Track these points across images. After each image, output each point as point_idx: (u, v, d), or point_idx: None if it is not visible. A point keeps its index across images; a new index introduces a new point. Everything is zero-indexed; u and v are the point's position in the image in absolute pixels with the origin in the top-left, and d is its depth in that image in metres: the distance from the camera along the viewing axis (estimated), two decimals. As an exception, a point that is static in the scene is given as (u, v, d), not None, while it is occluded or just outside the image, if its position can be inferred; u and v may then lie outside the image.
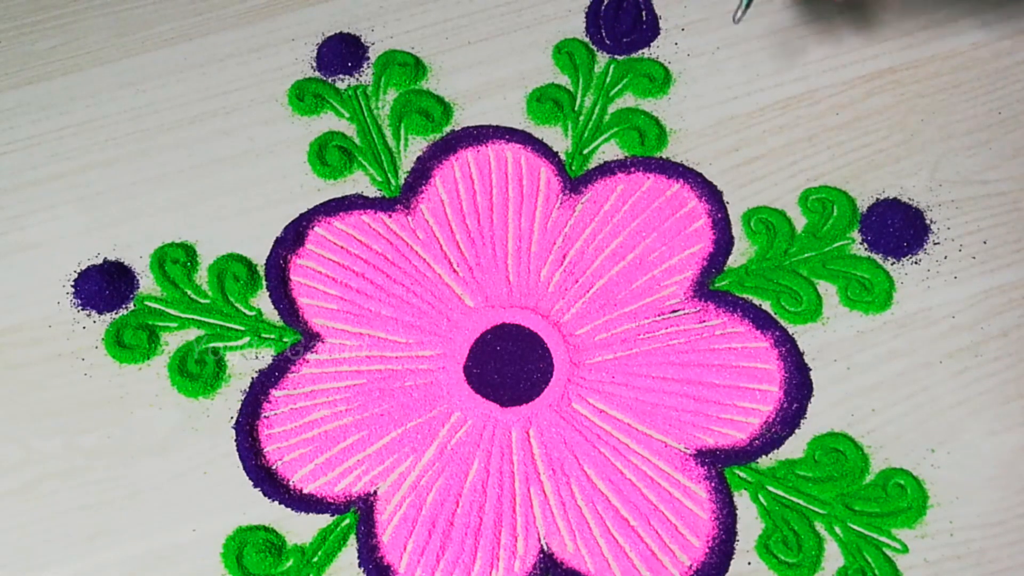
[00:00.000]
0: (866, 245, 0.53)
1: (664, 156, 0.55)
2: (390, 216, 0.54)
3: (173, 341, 0.52)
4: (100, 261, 0.54)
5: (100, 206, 0.55)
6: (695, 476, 0.49)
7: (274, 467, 0.50)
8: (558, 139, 0.56)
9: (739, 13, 0.51)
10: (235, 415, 0.51)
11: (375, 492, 0.49)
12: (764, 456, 0.49)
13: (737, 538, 0.48)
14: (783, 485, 0.48)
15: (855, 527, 0.48)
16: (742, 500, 0.48)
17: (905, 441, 0.49)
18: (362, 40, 0.58)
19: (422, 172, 0.55)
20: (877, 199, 0.54)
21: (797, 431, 0.49)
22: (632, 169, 0.55)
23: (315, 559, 0.48)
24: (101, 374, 0.52)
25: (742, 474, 0.49)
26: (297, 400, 0.51)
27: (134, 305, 0.53)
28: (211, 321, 0.52)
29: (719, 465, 0.49)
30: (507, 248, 0.54)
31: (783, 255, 0.53)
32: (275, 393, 0.51)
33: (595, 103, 0.57)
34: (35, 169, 0.56)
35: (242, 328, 0.52)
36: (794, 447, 0.49)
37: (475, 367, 0.51)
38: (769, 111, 0.56)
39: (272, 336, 0.52)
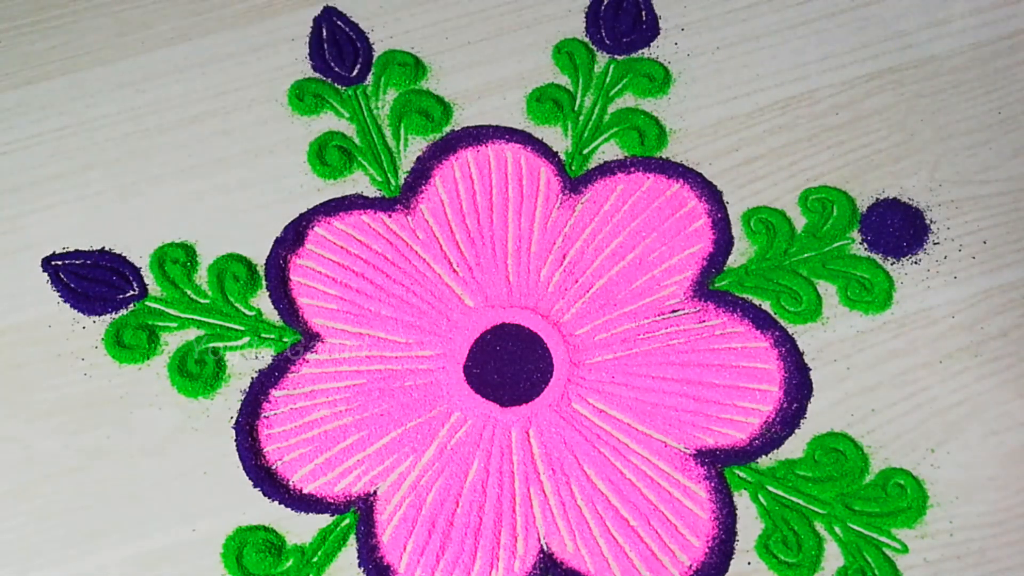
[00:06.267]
0: (866, 245, 0.53)
1: (664, 156, 0.55)
2: (390, 216, 0.54)
3: (173, 341, 0.52)
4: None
5: (100, 206, 0.55)
6: (695, 476, 0.49)
7: (274, 467, 0.50)
8: (558, 139, 0.56)
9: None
10: (235, 415, 0.51)
11: (375, 492, 0.49)
12: (764, 456, 0.49)
13: (737, 538, 0.48)
14: (783, 485, 0.48)
15: (855, 527, 0.48)
16: (742, 500, 0.48)
17: (905, 441, 0.49)
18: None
19: (422, 172, 0.55)
20: (877, 199, 0.54)
21: (797, 431, 0.49)
22: (632, 169, 0.55)
23: (315, 559, 0.48)
24: (101, 374, 0.52)
25: (742, 474, 0.49)
26: (297, 400, 0.51)
27: (134, 305, 0.53)
28: (211, 321, 0.52)
29: (719, 465, 0.49)
30: (507, 248, 0.54)
31: (783, 255, 0.53)
32: (275, 393, 0.51)
33: (595, 103, 0.57)
34: (35, 169, 0.56)
35: (242, 328, 0.52)
36: (794, 447, 0.49)
37: (475, 367, 0.51)
38: (769, 111, 0.56)
39: (272, 336, 0.52)
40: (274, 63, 0.58)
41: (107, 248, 0.54)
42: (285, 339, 0.52)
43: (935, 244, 0.53)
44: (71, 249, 0.54)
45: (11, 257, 0.54)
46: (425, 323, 0.52)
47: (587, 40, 0.58)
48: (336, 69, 0.58)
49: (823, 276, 0.52)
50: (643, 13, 0.59)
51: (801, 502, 0.48)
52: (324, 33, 0.59)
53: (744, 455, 0.49)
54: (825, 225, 0.53)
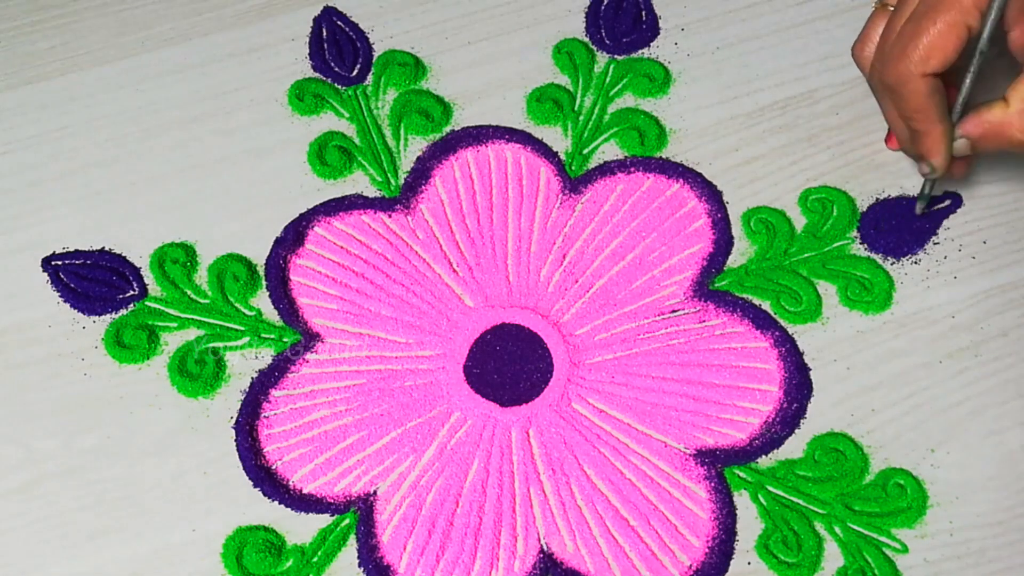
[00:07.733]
0: (866, 245, 0.53)
1: (664, 156, 0.55)
2: (390, 216, 0.54)
3: (173, 341, 0.52)
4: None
5: (100, 206, 0.55)
6: (695, 476, 0.49)
7: (274, 467, 0.50)
8: (558, 139, 0.56)
9: (920, 205, 0.52)
10: (235, 415, 0.51)
11: (375, 492, 0.49)
12: (764, 456, 0.49)
13: (737, 538, 0.48)
14: (783, 485, 0.48)
15: (855, 527, 0.48)
16: (742, 500, 0.48)
17: (905, 441, 0.49)
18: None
19: (422, 172, 0.55)
20: (877, 199, 0.54)
21: (797, 431, 0.49)
22: (632, 169, 0.55)
23: (315, 559, 0.48)
24: (101, 374, 0.52)
25: (742, 474, 0.49)
26: (297, 400, 0.51)
27: (134, 305, 0.53)
28: (211, 321, 0.52)
29: (719, 465, 0.49)
30: (507, 248, 0.54)
31: (783, 255, 0.53)
32: (275, 393, 0.51)
33: (595, 103, 0.57)
34: (35, 169, 0.57)
35: (242, 328, 0.52)
36: (794, 447, 0.49)
37: (475, 367, 0.51)
38: (769, 111, 0.56)
39: (272, 336, 0.52)
40: (274, 63, 0.58)
41: (107, 248, 0.54)
42: (285, 339, 0.52)
43: (935, 244, 0.53)
44: (71, 249, 0.54)
45: (11, 257, 0.54)
46: (425, 323, 0.52)
47: (587, 40, 0.58)
48: (336, 69, 0.58)
49: (823, 276, 0.52)
50: (643, 13, 0.59)
51: (801, 502, 0.48)
52: (324, 33, 0.59)
53: (744, 455, 0.49)
54: (825, 225, 0.53)
